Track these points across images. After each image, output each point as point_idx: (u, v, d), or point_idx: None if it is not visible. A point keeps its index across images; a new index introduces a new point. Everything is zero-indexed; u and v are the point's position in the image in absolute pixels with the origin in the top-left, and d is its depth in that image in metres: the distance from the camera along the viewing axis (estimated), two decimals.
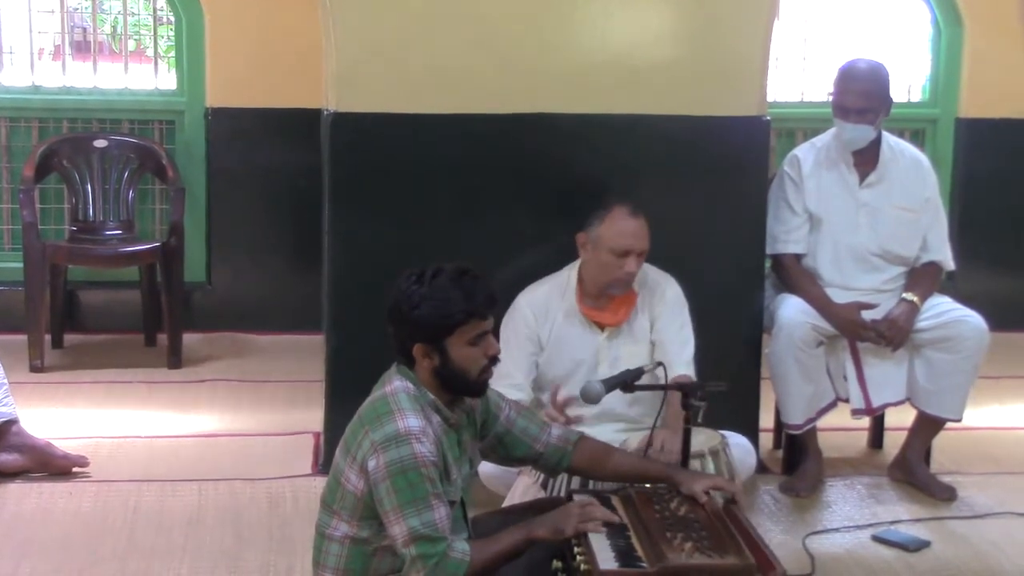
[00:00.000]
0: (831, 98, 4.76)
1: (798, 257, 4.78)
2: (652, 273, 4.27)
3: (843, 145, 4.72)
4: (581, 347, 4.20)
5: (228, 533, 4.29)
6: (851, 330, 4.66)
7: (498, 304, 3.23)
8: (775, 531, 4.38)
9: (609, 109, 4.65)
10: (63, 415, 5.46)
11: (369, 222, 4.63)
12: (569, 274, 4.25)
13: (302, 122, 6.17)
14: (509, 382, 3.96)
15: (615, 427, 4.12)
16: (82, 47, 7.73)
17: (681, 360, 4.15)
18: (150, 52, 7.23)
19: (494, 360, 3.16)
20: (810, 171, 4.78)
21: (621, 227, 4.10)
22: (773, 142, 5.89)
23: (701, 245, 4.70)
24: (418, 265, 3.16)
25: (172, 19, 7.02)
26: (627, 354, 4.17)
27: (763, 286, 4.86)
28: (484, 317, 3.11)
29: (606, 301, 4.20)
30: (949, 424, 4.79)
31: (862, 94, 4.66)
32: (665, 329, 4.23)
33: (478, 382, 3.15)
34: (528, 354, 4.18)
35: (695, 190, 4.75)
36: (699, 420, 3.52)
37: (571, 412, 3.89)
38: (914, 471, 4.81)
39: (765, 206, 4.79)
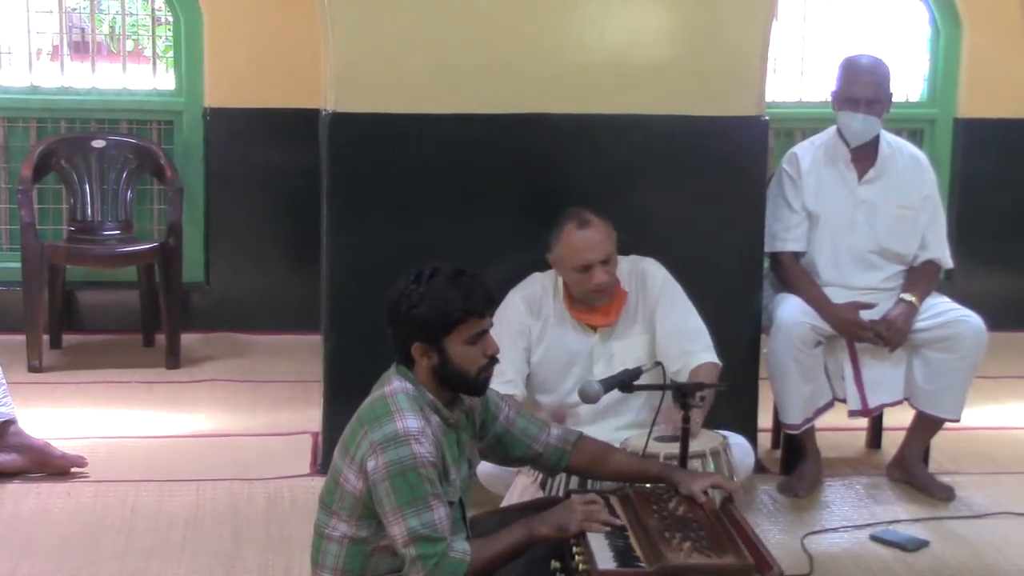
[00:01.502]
0: (834, 92, 4.76)
1: (797, 255, 4.78)
2: (634, 263, 4.25)
3: (852, 137, 4.71)
4: (574, 349, 4.20)
5: (226, 533, 4.29)
6: (849, 330, 4.66)
7: (495, 303, 3.24)
8: (773, 531, 4.38)
9: (607, 109, 4.65)
10: (61, 415, 5.46)
11: (367, 222, 4.63)
12: (555, 276, 4.23)
13: (300, 122, 6.16)
14: (501, 379, 3.93)
15: (615, 424, 4.12)
16: (80, 47, 7.74)
17: (699, 348, 4.15)
18: (148, 52, 7.22)
19: (493, 359, 3.17)
20: (809, 168, 4.78)
21: (574, 243, 4.05)
22: (771, 142, 5.90)
23: (699, 245, 4.69)
24: (416, 265, 3.17)
25: (170, 19, 7.02)
26: (621, 351, 4.17)
27: (762, 286, 4.86)
28: (482, 316, 3.12)
29: (594, 304, 4.19)
30: (947, 424, 4.79)
31: (872, 84, 4.67)
32: (671, 320, 4.20)
33: (477, 381, 3.15)
34: (521, 349, 4.17)
35: (693, 190, 4.75)
36: (699, 421, 3.53)
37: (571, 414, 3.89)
38: (912, 471, 4.81)
39: (763, 206, 4.79)
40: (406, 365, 3.15)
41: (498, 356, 3.18)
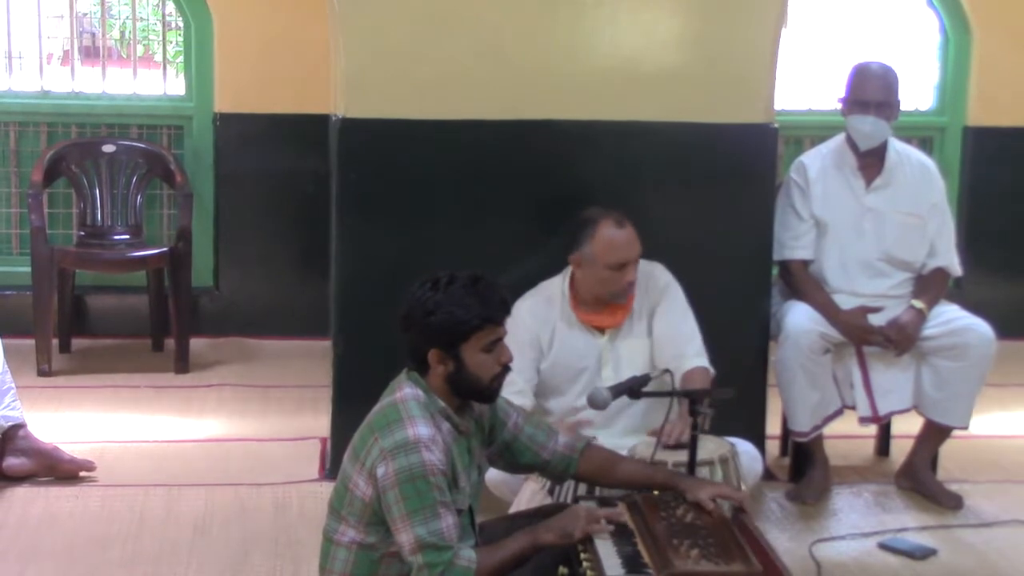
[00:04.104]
0: (843, 98, 4.75)
1: (805, 263, 4.78)
2: (641, 266, 4.25)
3: (861, 140, 4.70)
4: (583, 352, 4.20)
5: (234, 538, 4.30)
6: (857, 335, 4.66)
7: (510, 311, 3.24)
8: (781, 538, 4.37)
9: (617, 116, 4.65)
10: (70, 419, 5.47)
11: (377, 227, 4.64)
12: (562, 282, 4.25)
13: (310, 128, 6.18)
14: (512, 388, 3.94)
15: (622, 430, 4.12)
16: (91, 52, 7.76)
17: (692, 353, 4.15)
18: (159, 57, 7.24)
19: (507, 368, 3.18)
20: (816, 176, 4.78)
21: (612, 241, 4.08)
22: (781, 150, 5.90)
23: (708, 252, 4.70)
24: (425, 271, 3.17)
25: (181, 24, 7.04)
26: (629, 353, 4.18)
27: (770, 293, 4.86)
28: (499, 323, 3.13)
29: (603, 305, 4.20)
30: (956, 432, 4.79)
31: (882, 88, 4.69)
32: (667, 322, 4.21)
33: (491, 388, 3.16)
34: (530, 359, 4.17)
35: (702, 197, 4.75)
36: (706, 427, 3.52)
37: (582, 417, 3.89)
38: (921, 479, 4.81)
39: (772, 214, 4.79)
40: (419, 371, 3.15)
41: (511, 365, 3.19)
